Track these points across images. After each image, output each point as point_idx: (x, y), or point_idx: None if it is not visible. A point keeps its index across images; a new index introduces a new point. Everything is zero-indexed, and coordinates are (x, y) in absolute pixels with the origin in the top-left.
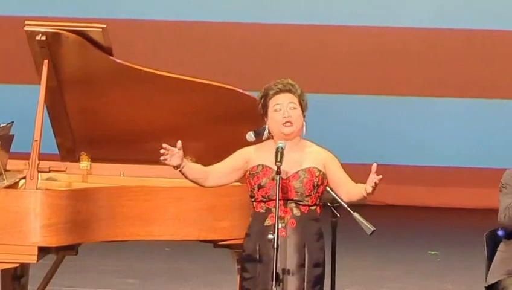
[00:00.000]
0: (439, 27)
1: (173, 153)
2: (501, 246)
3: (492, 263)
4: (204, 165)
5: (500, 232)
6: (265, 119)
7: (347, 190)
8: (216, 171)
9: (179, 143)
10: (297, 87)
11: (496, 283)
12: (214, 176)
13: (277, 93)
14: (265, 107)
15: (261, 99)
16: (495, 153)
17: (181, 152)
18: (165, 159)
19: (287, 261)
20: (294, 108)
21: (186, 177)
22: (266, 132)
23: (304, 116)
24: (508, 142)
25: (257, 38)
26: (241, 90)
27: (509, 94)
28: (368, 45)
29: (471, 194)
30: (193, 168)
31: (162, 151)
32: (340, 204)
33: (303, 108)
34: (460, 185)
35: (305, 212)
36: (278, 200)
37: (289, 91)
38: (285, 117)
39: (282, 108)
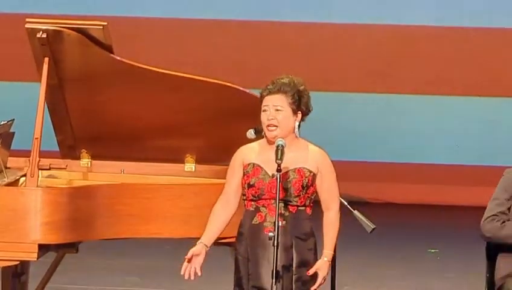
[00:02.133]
0: (437, 25)
1: (192, 263)
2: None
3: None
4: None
5: None
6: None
7: (325, 209)
8: (230, 194)
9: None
10: (293, 86)
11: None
12: (232, 200)
13: (268, 94)
14: (260, 107)
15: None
16: (495, 151)
17: (196, 250)
18: (196, 272)
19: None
20: (280, 110)
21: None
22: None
23: (299, 115)
24: (509, 140)
25: (258, 36)
26: (241, 88)
27: (510, 92)
28: (367, 42)
29: (471, 192)
30: (215, 231)
31: (187, 274)
32: (340, 202)
33: (297, 108)
34: (461, 183)
35: (294, 212)
36: (279, 198)
37: (279, 92)
38: (268, 120)
39: (268, 110)
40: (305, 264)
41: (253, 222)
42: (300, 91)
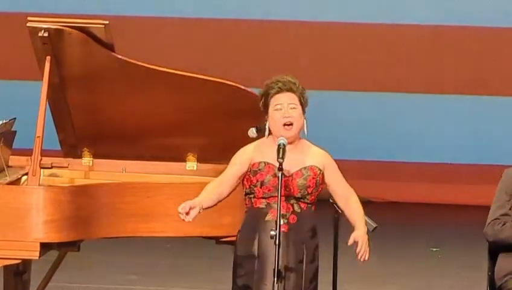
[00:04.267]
0: (437, 24)
1: (189, 211)
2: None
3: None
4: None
5: None
6: (266, 117)
7: (346, 201)
8: (227, 180)
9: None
10: (298, 85)
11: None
12: (228, 186)
13: (278, 92)
14: (266, 105)
15: (262, 97)
16: (496, 149)
17: (193, 203)
18: (187, 219)
19: (287, 257)
20: (294, 108)
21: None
22: (267, 129)
23: (304, 114)
24: (510, 138)
25: (259, 35)
26: (243, 87)
27: (509, 91)
28: (366, 41)
29: (472, 191)
30: (209, 198)
31: (182, 216)
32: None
33: (303, 106)
34: (462, 182)
35: (305, 209)
36: (280, 196)
37: (290, 90)
38: (285, 117)
39: (283, 108)
40: (312, 260)
41: (266, 219)
42: (303, 91)
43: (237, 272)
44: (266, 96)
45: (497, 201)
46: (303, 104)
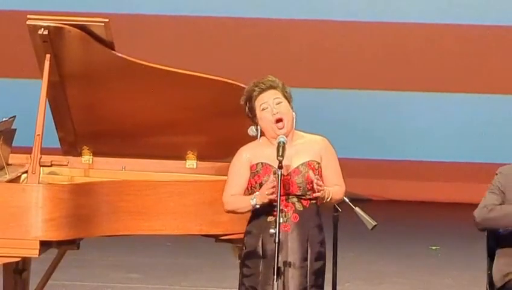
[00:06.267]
0: (437, 22)
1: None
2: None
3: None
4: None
5: (501, 229)
6: (256, 121)
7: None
8: (241, 192)
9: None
10: (278, 82)
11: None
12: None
13: (260, 92)
14: (252, 109)
15: (246, 103)
16: (497, 148)
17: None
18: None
19: (290, 256)
20: (280, 102)
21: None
22: (259, 132)
23: (292, 107)
24: (510, 137)
25: (260, 33)
26: (243, 85)
27: (509, 90)
28: (366, 40)
29: (472, 189)
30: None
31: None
32: (342, 199)
33: (289, 100)
34: (462, 180)
35: (307, 206)
36: (280, 195)
37: (271, 87)
38: (274, 114)
39: (269, 105)
40: (318, 257)
41: (268, 220)
42: (284, 86)
43: (243, 272)
44: (250, 100)
45: (493, 190)
46: (288, 98)
